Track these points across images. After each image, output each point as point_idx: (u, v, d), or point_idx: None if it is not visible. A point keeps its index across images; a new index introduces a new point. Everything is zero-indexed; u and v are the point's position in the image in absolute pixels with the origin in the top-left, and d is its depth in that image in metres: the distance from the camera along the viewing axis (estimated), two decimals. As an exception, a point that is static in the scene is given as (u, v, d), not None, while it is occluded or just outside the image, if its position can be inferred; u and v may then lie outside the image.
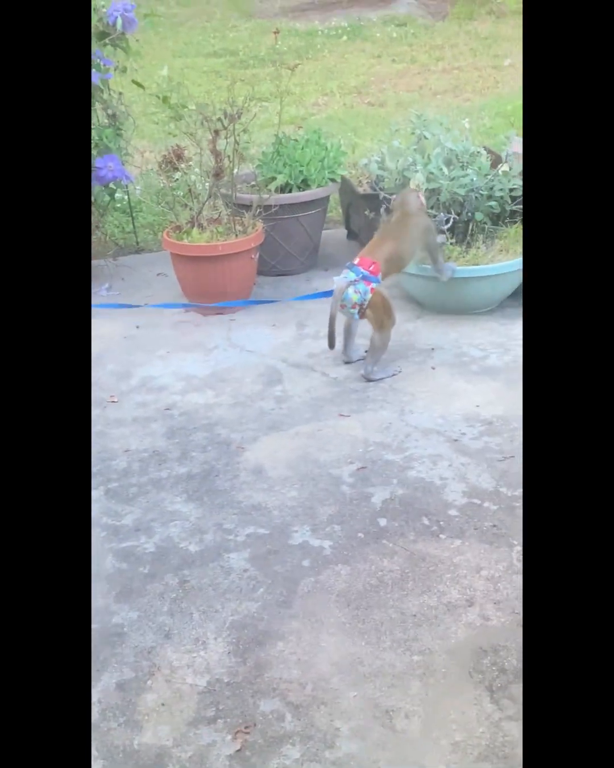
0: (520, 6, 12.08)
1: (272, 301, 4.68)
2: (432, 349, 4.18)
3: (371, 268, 3.83)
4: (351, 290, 3.81)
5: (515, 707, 2.30)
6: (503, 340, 4.22)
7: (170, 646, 2.55)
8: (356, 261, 3.88)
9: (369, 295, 3.83)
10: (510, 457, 3.32)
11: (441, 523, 3.01)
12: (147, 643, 2.56)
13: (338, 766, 2.17)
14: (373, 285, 3.83)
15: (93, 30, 4.81)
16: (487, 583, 2.72)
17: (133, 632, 2.61)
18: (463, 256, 4.32)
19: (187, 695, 2.38)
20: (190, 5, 14.56)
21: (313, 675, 2.43)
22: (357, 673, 2.43)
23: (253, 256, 4.61)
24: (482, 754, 2.18)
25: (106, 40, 4.88)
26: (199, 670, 2.46)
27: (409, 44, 11.24)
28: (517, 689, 2.35)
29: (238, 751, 2.21)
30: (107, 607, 2.70)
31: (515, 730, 2.23)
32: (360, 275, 3.82)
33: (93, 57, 4.75)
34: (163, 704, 2.36)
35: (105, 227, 5.43)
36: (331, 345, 3.88)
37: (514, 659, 2.44)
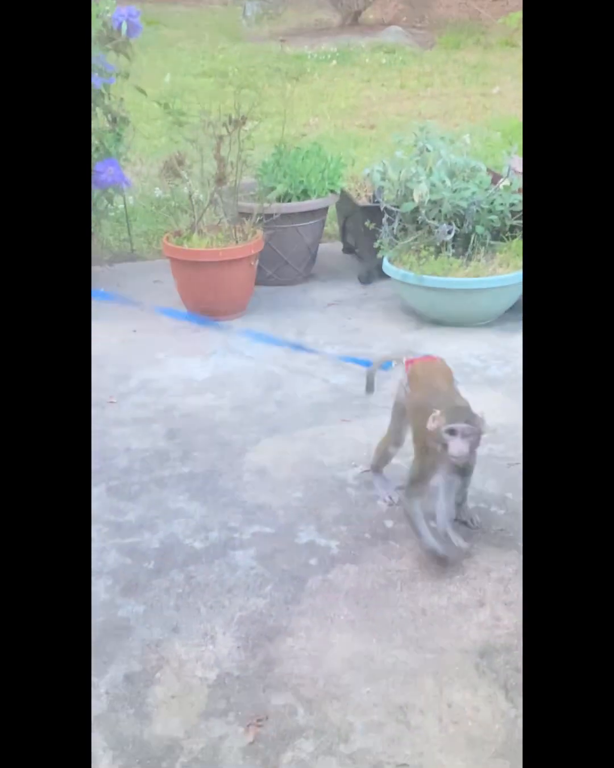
0: (507, 38, 12.29)
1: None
2: (432, 359, 4.18)
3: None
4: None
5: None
6: (503, 352, 4.23)
7: (178, 640, 2.50)
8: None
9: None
10: (515, 464, 3.31)
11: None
12: (154, 636, 2.51)
13: (353, 760, 2.12)
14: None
15: (97, 34, 4.81)
16: (497, 585, 2.69)
17: (140, 626, 2.56)
18: (464, 269, 4.34)
19: (196, 688, 2.34)
20: (180, 28, 14.66)
21: (325, 671, 2.39)
22: (370, 670, 2.39)
23: (252, 264, 4.60)
24: (498, 751, 2.15)
25: (109, 45, 4.88)
26: (208, 663, 2.42)
27: (398, 70, 11.36)
28: (533, 687, 2.32)
29: (251, 743, 2.17)
30: (112, 601, 2.65)
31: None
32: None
33: (96, 61, 4.75)
34: (172, 697, 2.31)
35: (100, 234, 5.40)
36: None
37: (528, 658, 2.42)
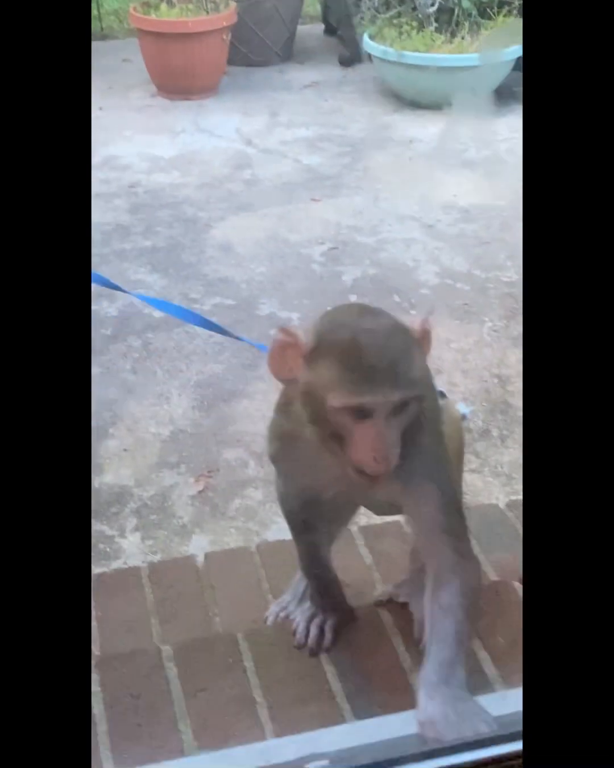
0: None
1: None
2: (411, 141, 4.02)
3: None
4: None
5: (477, 462, 2.29)
6: (484, 135, 4.06)
7: (133, 400, 2.50)
8: None
9: None
10: (485, 243, 3.24)
11: (413, 300, 2.94)
12: (109, 396, 2.51)
13: (301, 508, 2.16)
14: None
15: None
16: (456, 355, 2.68)
17: (95, 387, 2.54)
18: (447, 45, 4.11)
19: (149, 443, 2.35)
20: None
21: (278, 430, 2.40)
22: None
23: (224, 37, 4.34)
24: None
25: None
26: (162, 421, 2.43)
27: None
28: (480, 446, 2.34)
29: (201, 492, 2.20)
30: (68, 363, 2.63)
31: (478, 482, 2.24)
32: None
33: None
34: (125, 450, 2.33)
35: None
36: None
37: (480, 421, 2.43)
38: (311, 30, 5.37)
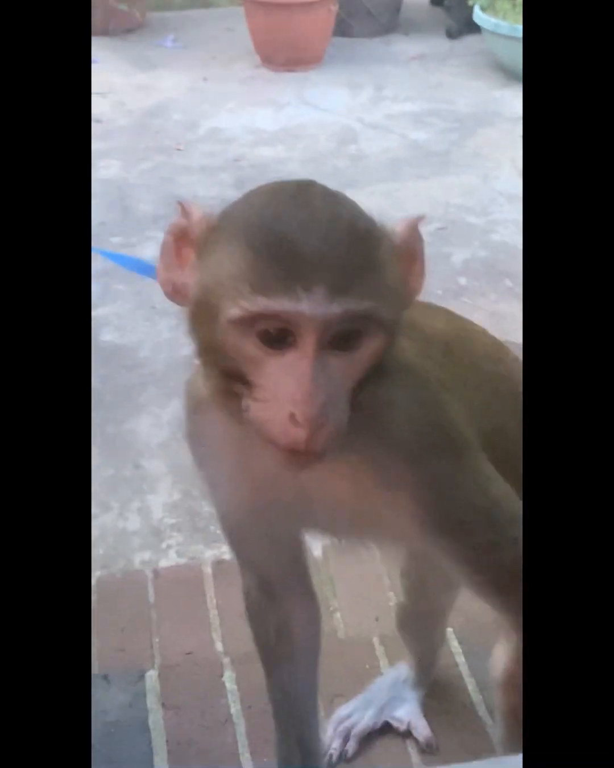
0: None
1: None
2: (521, 118, 3.90)
3: None
4: None
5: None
6: (597, 112, 3.92)
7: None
8: None
9: None
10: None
11: (525, 285, 2.86)
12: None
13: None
14: None
15: None
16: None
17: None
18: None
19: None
20: None
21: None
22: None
23: (331, 9, 4.26)
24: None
25: None
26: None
27: None
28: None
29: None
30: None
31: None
32: None
33: None
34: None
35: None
36: None
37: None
38: (417, 0, 5.25)
